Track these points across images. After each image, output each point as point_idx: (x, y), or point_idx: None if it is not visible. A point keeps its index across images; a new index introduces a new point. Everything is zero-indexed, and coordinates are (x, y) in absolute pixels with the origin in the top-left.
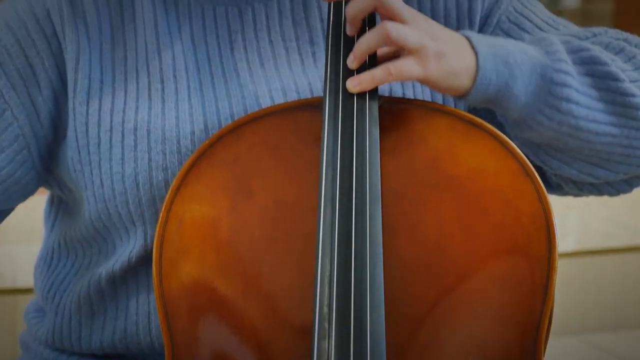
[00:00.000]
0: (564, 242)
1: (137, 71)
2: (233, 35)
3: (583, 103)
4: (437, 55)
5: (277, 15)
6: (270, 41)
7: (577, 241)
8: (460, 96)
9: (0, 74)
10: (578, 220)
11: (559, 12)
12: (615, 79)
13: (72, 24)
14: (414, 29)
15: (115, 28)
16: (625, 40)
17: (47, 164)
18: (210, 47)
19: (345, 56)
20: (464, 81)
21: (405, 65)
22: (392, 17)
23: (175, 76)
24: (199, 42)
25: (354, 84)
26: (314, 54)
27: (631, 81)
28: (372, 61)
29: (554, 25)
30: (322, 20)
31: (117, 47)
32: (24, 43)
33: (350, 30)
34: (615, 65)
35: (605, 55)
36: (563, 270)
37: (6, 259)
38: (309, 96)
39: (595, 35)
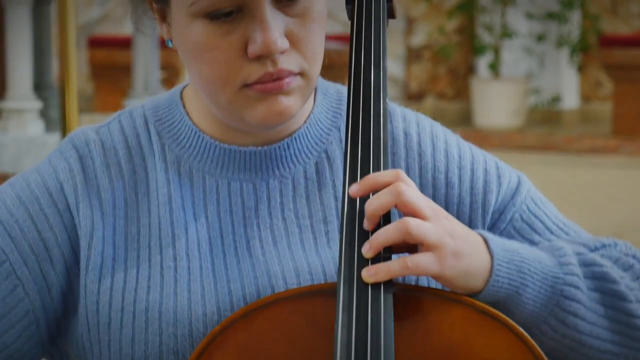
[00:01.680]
0: None
1: (149, 248)
2: (247, 211)
3: (589, 319)
4: (454, 254)
5: (291, 192)
6: (284, 219)
7: None
8: (470, 295)
9: (12, 249)
10: None
11: (559, 114)
12: (624, 298)
13: (85, 198)
14: (435, 225)
15: (129, 203)
16: (634, 257)
17: (54, 337)
18: (224, 223)
19: (360, 245)
20: (477, 282)
21: (423, 261)
22: (413, 213)
23: (188, 254)
24: (212, 218)
25: (370, 274)
26: (327, 232)
27: (638, 301)
28: (387, 250)
29: (565, 229)
30: (336, 199)
31: (130, 222)
32: (36, 217)
33: (367, 225)
34: (625, 284)
35: (615, 273)
36: None
37: None
38: (322, 278)
39: (604, 246)
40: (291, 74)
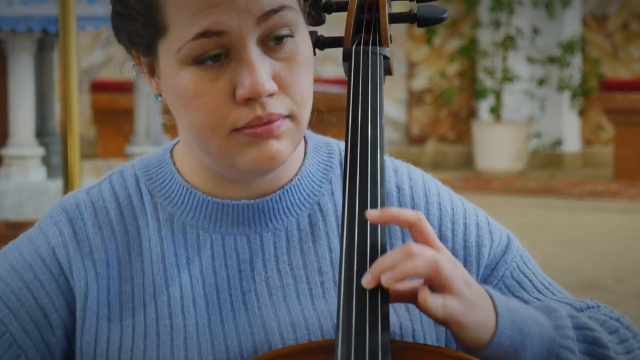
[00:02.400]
0: None
1: (144, 306)
2: (242, 264)
3: None
4: (471, 303)
5: (285, 244)
6: (279, 270)
7: None
8: (470, 350)
9: (11, 319)
10: None
11: (560, 157)
12: None
13: (79, 260)
14: (456, 270)
15: (122, 262)
16: (617, 320)
17: None
18: (219, 277)
19: (359, 306)
20: (482, 336)
21: (450, 305)
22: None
23: (183, 312)
24: (207, 273)
25: (388, 277)
26: (322, 283)
27: None
28: (384, 298)
29: (550, 289)
30: (330, 249)
31: (124, 282)
32: (31, 285)
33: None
34: (614, 349)
35: (606, 338)
36: None
37: None
38: (319, 333)
39: (589, 307)
40: (280, 117)
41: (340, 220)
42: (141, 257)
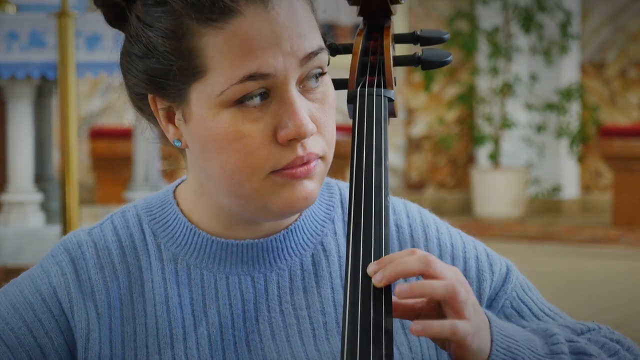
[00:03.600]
0: None
1: (147, 347)
2: (246, 304)
3: None
4: (478, 329)
5: (288, 284)
6: (282, 311)
7: None
8: None
9: (9, 358)
10: None
11: (559, 204)
12: None
13: (80, 301)
14: (470, 302)
15: (124, 303)
16: (618, 342)
17: None
18: (224, 317)
19: (363, 337)
20: None
21: (462, 327)
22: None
23: (187, 354)
24: (211, 313)
25: (417, 327)
26: (325, 324)
27: None
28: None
29: (551, 315)
30: (333, 290)
31: (126, 322)
32: (31, 324)
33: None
34: None
35: None
36: None
37: None
38: None
39: (589, 330)
40: (317, 157)
41: (342, 261)
42: (143, 298)
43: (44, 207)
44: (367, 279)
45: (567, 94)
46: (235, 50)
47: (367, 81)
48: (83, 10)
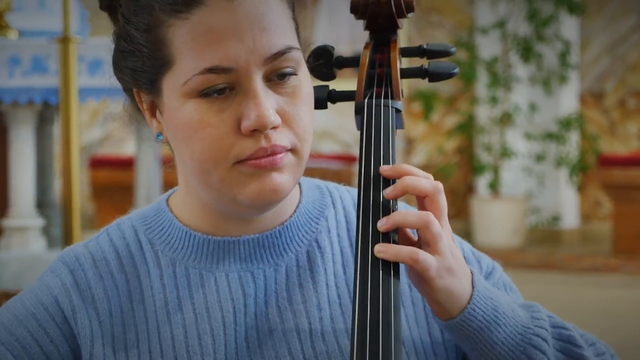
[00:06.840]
0: None
1: (150, 352)
2: (247, 299)
3: None
4: (449, 269)
5: (285, 280)
6: (278, 307)
7: None
8: (442, 320)
9: None
10: None
11: (559, 233)
12: None
13: (82, 309)
14: (446, 236)
15: (124, 310)
16: (607, 349)
17: None
18: (226, 312)
19: (373, 345)
20: (453, 306)
21: (428, 259)
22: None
23: (188, 352)
24: (213, 309)
25: (381, 249)
26: (321, 319)
27: None
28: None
29: None
30: (327, 286)
31: (128, 329)
32: (36, 334)
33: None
34: (589, 352)
35: (581, 340)
36: None
37: None
38: None
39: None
40: (284, 149)
41: (336, 258)
42: (144, 305)
43: (46, 232)
44: (376, 289)
45: (566, 124)
46: (199, 41)
47: (374, 92)
48: (85, 36)
